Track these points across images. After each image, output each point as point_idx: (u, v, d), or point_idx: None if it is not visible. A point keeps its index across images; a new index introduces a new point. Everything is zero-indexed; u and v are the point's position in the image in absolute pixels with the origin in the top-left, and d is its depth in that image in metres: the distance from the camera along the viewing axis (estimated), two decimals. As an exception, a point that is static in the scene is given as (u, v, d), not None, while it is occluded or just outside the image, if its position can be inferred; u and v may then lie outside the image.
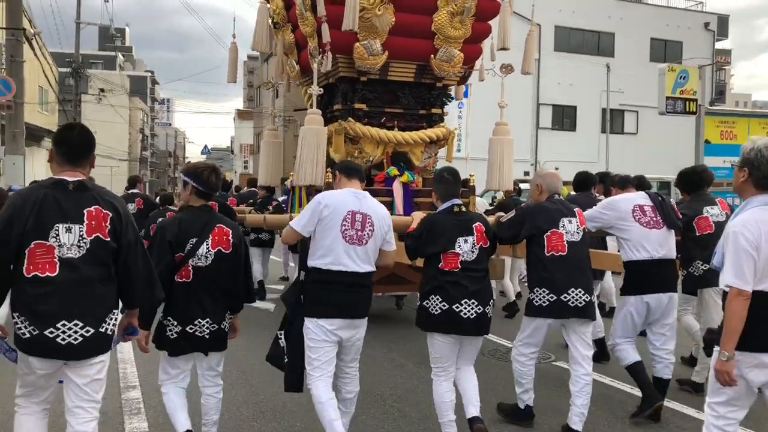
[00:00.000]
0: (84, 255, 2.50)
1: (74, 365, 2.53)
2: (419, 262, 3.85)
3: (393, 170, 6.38)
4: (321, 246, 3.29)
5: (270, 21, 7.19)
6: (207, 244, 3.14)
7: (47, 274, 2.45)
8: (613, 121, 27.26)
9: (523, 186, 8.86)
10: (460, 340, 3.55)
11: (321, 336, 3.27)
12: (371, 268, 3.38)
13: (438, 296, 3.50)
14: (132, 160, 48.79)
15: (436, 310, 3.48)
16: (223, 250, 3.17)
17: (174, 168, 74.48)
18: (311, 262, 3.33)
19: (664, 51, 27.75)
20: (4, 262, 2.45)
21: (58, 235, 2.46)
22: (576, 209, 3.94)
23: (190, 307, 3.13)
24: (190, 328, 3.14)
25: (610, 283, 6.75)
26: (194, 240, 3.13)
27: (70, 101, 23.11)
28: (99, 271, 2.54)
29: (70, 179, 2.54)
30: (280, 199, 8.01)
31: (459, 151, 18.07)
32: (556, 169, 25.21)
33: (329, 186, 5.96)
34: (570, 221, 3.85)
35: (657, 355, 4.20)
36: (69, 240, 2.47)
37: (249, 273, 3.38)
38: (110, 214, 2.56)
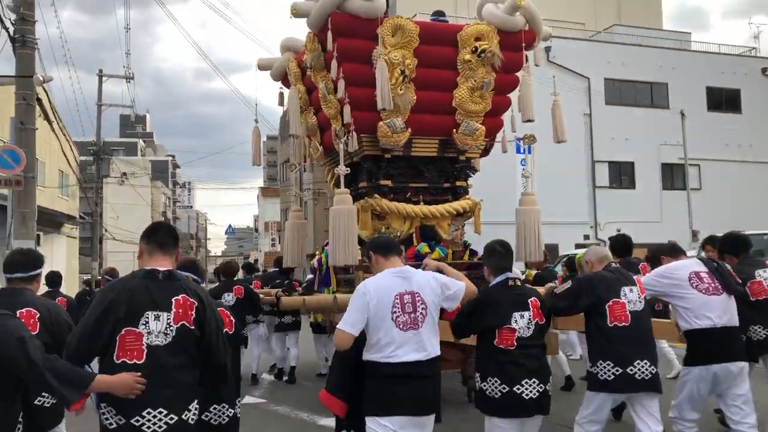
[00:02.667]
0: (170, 342, 2.82)
1: None
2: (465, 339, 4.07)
3: (424, 247, 7.07)
4: (375, 338, 3.37)
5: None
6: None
7: (135, 361, 2.77)
8: (674, 176, 27.64)
9: (579, 251, 9.31)
10: (522, 422, 3.71)
11: None
12: (434, 352, 3.43)
13: (497, 378, 3.67)
14: None
15: (496, 393, 3.66)
16: (228, 332, 3.60)
17: (196, 250, 77.96)
18: (366, 356, 3.43)
19: (722, 99, 28.27)
20: (96, 345, 2.80)
21: (147, 322, 2.80)
22: (635, 277, 4.27)
23: (208, 393, 3.45)
24: (206, 416, 3.55)
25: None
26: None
27: (92, 188, 24.78)
28: (183, 358, 2.86)
29: (160, 269, 2.95)
30: (308, 277, 8.75)
31: None
32: (618, 230, 25.49)
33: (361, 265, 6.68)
34: (631, 290, 4.11)
35: (739, 430, 4.30)
36: (157, 327, 2.81)
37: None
38: (196, 303, 2.93)
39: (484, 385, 3.73)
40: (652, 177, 27.15)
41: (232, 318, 3.70)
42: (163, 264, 3.00)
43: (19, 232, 10.18)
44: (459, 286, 3.63)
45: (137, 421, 2.73)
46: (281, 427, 6.57)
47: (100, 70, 24.03)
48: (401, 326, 3.33)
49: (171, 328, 2.83)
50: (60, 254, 25.53)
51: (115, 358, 2.77)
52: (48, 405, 3.62)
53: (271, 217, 47.30)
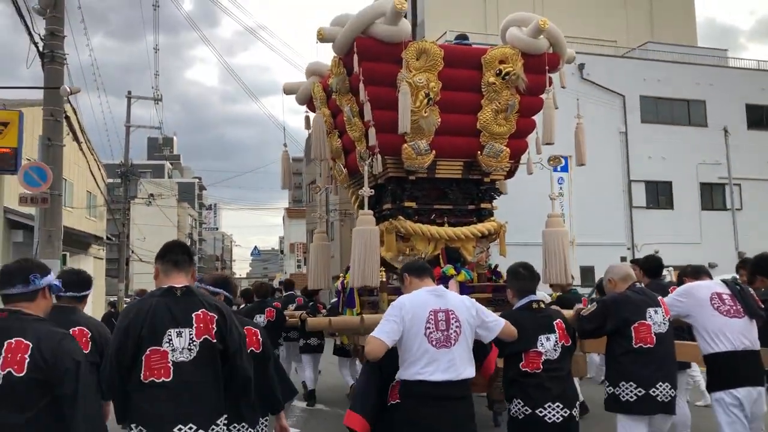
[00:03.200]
0: (195, 358, 2.94)
1: None
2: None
3: (450, 269, 7.22)
4: (407, 354, 3.44)
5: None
6: None
7: (163, 379, 2.88)
8: (713, 196, 27.36)
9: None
10: None
11: None
12: (466, 374, 3.48)
13: (520, 400, 3.76)
14: None
15: (520, 415, 3.75)
16: (254, 351, 3.69)
17: (221, 272, 79.92)
18: (401, 375, 3.49)
19: (763, 116, 28.00)
20: (124, 369, 2.92)
21: (171, 340, 2.92)
22: (660, 299, 4.35)
23: (230, 411, 3.57)
24: None
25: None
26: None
27: (119, 210, 25.42)
28: (208, 373, 2.97)
29: (177, 286, 3.07)
30: (332, 300, 8.96)
31: None
32: (656, 252, 25.22)
33: (383, 287, 6.89)
34: (656, 311, 4.21)
35: None
36: (180, 344, 2.92)
37: (282, 369, 4.04)
38: (216, 317, 3.04)
39: (510, 407, 3.84)
40: (691, 197, 26.94)
41: (260, 337, 3.78)
42: (179, 281, 3.10)
43: (44, 252, 10.06)
44: (498, 320, 3.73)
45: None
46: None
47: (129, 92, 24.90)
48: (434, 343, 3.40)
49: (194, 343, 2.94)
50: None
51: (143, 377, 2.89)
52: None
53: (296, 239, 47.95)
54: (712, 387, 4.41)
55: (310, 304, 8.48)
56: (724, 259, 23.13)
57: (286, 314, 8.09)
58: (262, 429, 3.73)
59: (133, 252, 30.03)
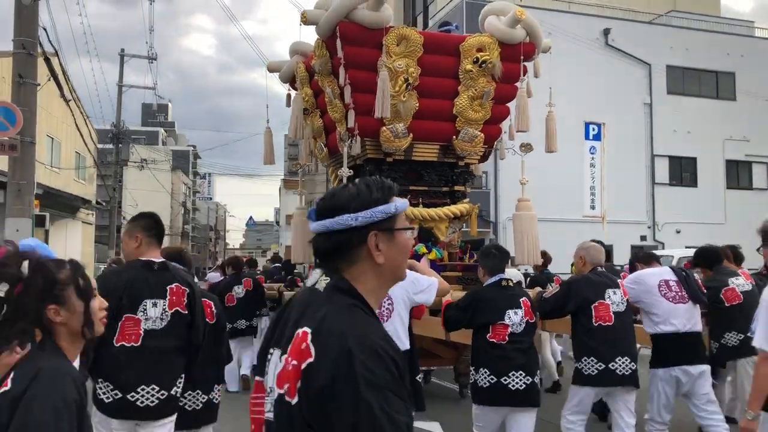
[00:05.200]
0: (165, 327, 3.56)
1: (145, 424, 3.53)
2: (453, 336, 5.06)
3: (421, 248, 8.28)
4: None
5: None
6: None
7: (132, 344, 3.48)
8: (739, 174, 27.98)
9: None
10: (507, 413, 4.51)
11: None
12: (403, 346, 4.07)
13: (486, 369, 4.46)
14: (174, 234, 54.43)
15: (485, 383, 4.45)
16: (208, 321, 4.18)
17: (215, 242, 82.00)
18: None
19: (797, 92, 28.37)
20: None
21: (146, 309, 3.52)
22: (618, 281, 5.16)
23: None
24: (181, 401, 4.04)
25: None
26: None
27: (110, 176, 26.28)
28: (175, 340, 3.60)
29: (156, 260, 3.69)
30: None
31: (593, 207, 19.09)
32: (678, 232, 25.78)
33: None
34: (614, 292, 4.98)
35: (710, 425, 5.22)
36: (154, 314, 3.54)
37: (226, 339, 4.64)
38: (187, 290, 3.68)
39: (475, 376, 4.54)
40: (715, 174, 27.48)
41: (214, 309, 4.36)
42: (156, 255, 3.75)
43: (13, 209, 9.40)
44: (431, 281, 4.40)
45: (132, 396, 3.46)
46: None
47: (122, 50, 25.74)
48: None
49: (166, 313, 3.59)
50: (74, 240, 26.90)
51: (114, 341, 3.48)
52: None
53: (293, 210, 49.40)
54: (653, 364, 5.27)
55: (288, 278, 9.62)
56: (748, 241, 23.70)
57: (266, 287, 9.25)
58: (216, 395, 4.34)
59: (124, 218, 31.11)
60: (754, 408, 3.33)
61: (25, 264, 1.90)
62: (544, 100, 8.58)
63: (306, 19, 8.18)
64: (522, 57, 8.29)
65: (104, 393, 3.47)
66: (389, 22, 8.07)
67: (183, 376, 3.71)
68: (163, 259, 3.77)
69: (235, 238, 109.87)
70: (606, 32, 26.22)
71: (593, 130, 21.24)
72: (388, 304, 4.20)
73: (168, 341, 3.60)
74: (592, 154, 21.80)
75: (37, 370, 1.78)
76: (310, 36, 8.60)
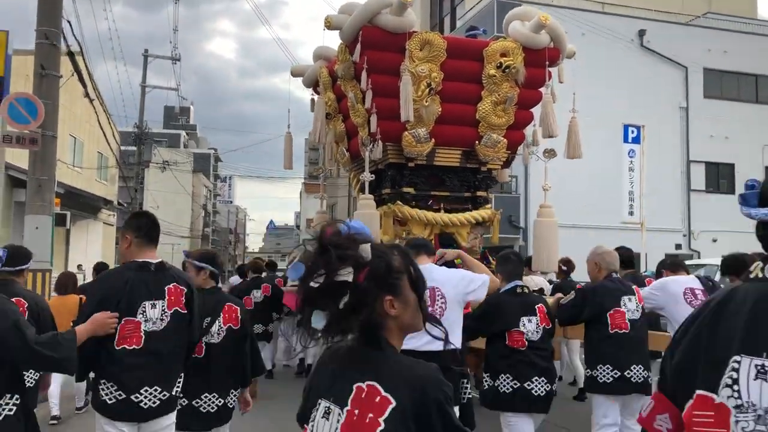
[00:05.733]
0: (165, 327, 3.64)
1: (146, 425, 3.62)
2: (474, 343, 5.14)
3: (442, 253, 8.51)
4: None
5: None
6: (219, 322, 4.43)
7: (134, 346, 3.56)
8: (779, 181, 27.75)
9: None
10: (531, 417, 4.65)
11: None
12: (455, 344, 4.12)
13: (509, 374, 4.58)
14: (194, 237, 55.40)
15: (508, 389, 4.57)
16: (233, 327, 4.46)
17: (234, 245, 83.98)
18: None
19: (841, 96, 28.03)
20: (99, 337, 3.49)
21: (145, 311, 3.60)
22: (634, 287, 5.22)
23: (198, 382, 4.25)
24: (196, 403, 4.31)
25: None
26: (208, 319, 4.34)
27: (131, 178, 26.72)
28: (175, 341, 3.71)
29: (152, 261, 3.74)
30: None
31: (632, 213, 19.03)
32: (714, 241, 25.62)
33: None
34: (630, 299, 5.07)
35: None
36: (154, 315, 3.62)
37: (255, 347, 4.72)
38: (185, 290, 3.78)
39: (496, 383, 4.63)
40: (755, 182, 27.38)
41: (239, 314, 4.52)
42: (151, 255, 3.78)
43: (33, 205, 9.34)
44: (483, 279, 4.46)
45: (136, 398, 3.54)
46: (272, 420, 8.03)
47: (146, 50, 26.27)
48: None
49: (166, 314, 3.68)
50: (95, 241, 27.39)
51: (116, 344, 3.55)
52: (32, 384, 4.33)
53: (314, 214, 49.97)
54: None
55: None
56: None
57: (286, 290, 9.51)
58: (232, 400, 4.50)
59: (145, 219, 31.59)
60: None
61: (365, 247, 1.72)
62: (570, 106, 8.72)
63: (330, 24, 8.42)
64: (546, 62, 8.45)
65: (107, 395, 3.56)
66: (413, 26, 8.28)
67: (182, 375, 3.83)
68: (160, 260, 3.83)
69: (254, 241, 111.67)
70: (641, 33, 26.18)
71: (632, 132, 21.08)
72: (442, 302, 4.26)
73: (169, 342, 3.70)
74: (631, 157, 21.62)
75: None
76: (333, 41, 8.83)
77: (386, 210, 8.59)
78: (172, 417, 3.78)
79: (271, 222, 73.31)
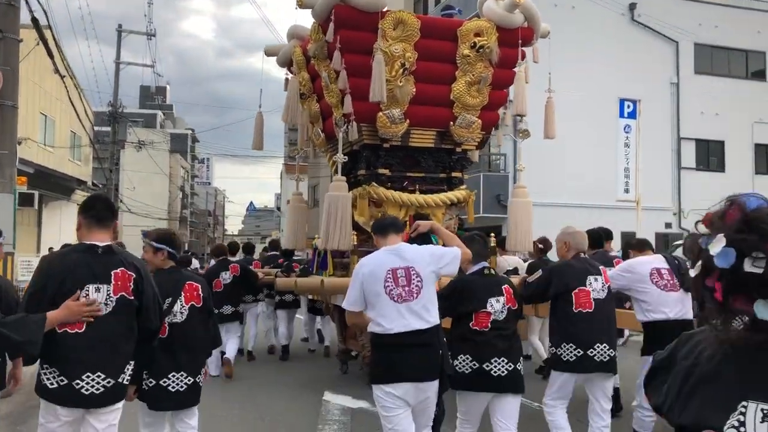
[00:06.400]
0: (110, 312, 3.63)
1: (95, 412, 3.63)
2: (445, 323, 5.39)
3: (416, 233, 8.81)
4: (373, 312, 4.30)
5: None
6: (181, 301, 4.59)
7: (76, 330, 3.55)
8: (768, 159, 28.00)
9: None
10: (490, 398, 4.78)
11: (390, 402, 4.24)
12: (434, 321, 4.35)
13: (468, 355, 4.71)
14: (172, 219, 55.82)
15: (467, 369, 4.71)
16: (195, 305, 4.62)
17: (213, 228, 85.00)
18: (370, 329, 4.38)
19: (832, 75, 28.24)
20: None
21: (88, 294, 3.58)
22: (601, 267, 5.42)
23: (166, 362, 4.42)
24: (164, 382, 4.46)
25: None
26: (169, 299, 4.48)
27: (106, 159, 26.76)
28: (122, 326, 3.70)
29: (100, 244, 3.71)
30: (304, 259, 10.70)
31: (627, 191, 19.15)
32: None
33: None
34: (596, 279, 5.27)
35: None
36: (98, 299, 3.60)
37: (214, 321, 4.94)
38: (134, 275, 3.75)
39: (455, 363, 4.74)
40: (744, 159, 27.72)
41: (200, 292, 4.71)
42: (101, 238, 3.76)
43: None
44: (454, 252, 4.60)
45: (77, 384, 3.54)
46: (240, 399, 8.35)
47: (120, 25, 26.25)
48: (396, 299, 4.25)
49: (111, 298, 3.66)
50: (69, 223, 27.05)
51: (57, 327, 3.54)
52: None
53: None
54: (644, 351, 5.63)
55: (285, 263, 10.18)
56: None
57: (261, 273, 9.83)
58: (201, 378, 4.69)
59: (121, 202, 31.81)
60: None
61: None
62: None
63: (302, 2, 8.59)
64: (520, 42, 8.71)
65: (48, 379, 3.57)
66: (385, 6, 8.48)
67: (132, 362, 3.83)
68: (108, 243, 3.80)
69: (234, 224, 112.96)
70: (632, 7, 26.36)
71: (628, 107, 21.09)
72: (417, 281, 4.36)
73: (114, 327, 3.68)
74: (626, 133, 21.63)
75: None
76: (308, 20, 9.03)
77: (361, 191, 8.84)
78: (120, 404, 3.80)
79: (251, 204, 74.16)
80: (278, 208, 71.19)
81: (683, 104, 27.11)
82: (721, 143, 28.03)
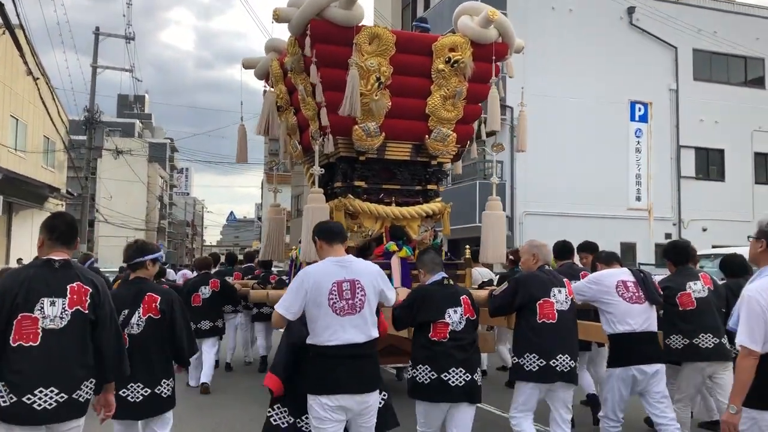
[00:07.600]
0: (65, 326, 3.74)
1: (55, 428, 3.71)
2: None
3: (392, 246, 9.33)
4: (314, 324, 4.45)
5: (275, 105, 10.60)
6: (138, 313, 4.92)
7: (30, 343, 3.64)
8: (768, 168, 28.55)
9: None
10: (448, 408, 5.13)
11: (324, 414, 4.40)
12: (374, 334, 4.55)
13: (427, 366, 5.07)
14: (149, 230, 56.55)
15: (426, 380, 5.06)
16: (153, 317, 4.93)
17: (192, 238, 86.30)
18: (309, 340, 4.52)
19: (832, 81, 28.81)
20: None
21: (43, 307, 3.69)
22: (565, 280, 5.90)
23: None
24: (123, 392, 4.73)
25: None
26: (126, 311, 4.81)
27: (81, 168, 27.01)
28: (76, 341, 3.79)
29: (56, 258, 3.87)
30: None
31: (639, 199, 19.22)
32: (704, 230, 26.45)
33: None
34: (560, 291, 5.73)
35: (662, 424, 5.96)
36: (53, 312, 3.71)
37: (183, 335, 5.13)
38: (90, 290, 3.88)
39: (414, 372, 5.16)
40: (744, 168, 28.36)
41: (158, 305, 4.97)
42: (60, 255, 3.95)
43: None
44: (392, 292, 4.92)
45: (29, 399, 3.62)
46: (216, 410, 8.89)
47: (97, 27, 26.64)
48: (338, 312, 4.42)
49: (66, 312, 3.78)
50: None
51: (11, 341, 3.65)
52: None
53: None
54: (610, 363, 6.09)
55: (261, 275, 10.79)
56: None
57: (239, 284, 10.44)
58: (164, 389, 5.04)
59: (98, 211, 32.15)
60: (736, 402, 3.77)
61: None
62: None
63: (278, 17, 9.17)
64: (494, 57, 9.36)
65: (1, 397, 3.63)
66: (361, 20, 9.08)
67: (92, 379, 3.93)
68: (65, 257, 3.97)
69: (212, 234, 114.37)
70: (630, 11, 26.97)
71: (639, 110, 21.51)
72: (361, 294, 4.54)
73: (68, 342, 3.78)
74: (638, 137, 21.91)
75: None
76: (285, 33, 9.65)
77: (337, 203, 9.41)
78: (78, 422, 3.88)
79: (231, 214, 75.21)
80: (259, 219, 72.03)
81: (682, 111, 27.68)
82: (721, 152, 28.57)
